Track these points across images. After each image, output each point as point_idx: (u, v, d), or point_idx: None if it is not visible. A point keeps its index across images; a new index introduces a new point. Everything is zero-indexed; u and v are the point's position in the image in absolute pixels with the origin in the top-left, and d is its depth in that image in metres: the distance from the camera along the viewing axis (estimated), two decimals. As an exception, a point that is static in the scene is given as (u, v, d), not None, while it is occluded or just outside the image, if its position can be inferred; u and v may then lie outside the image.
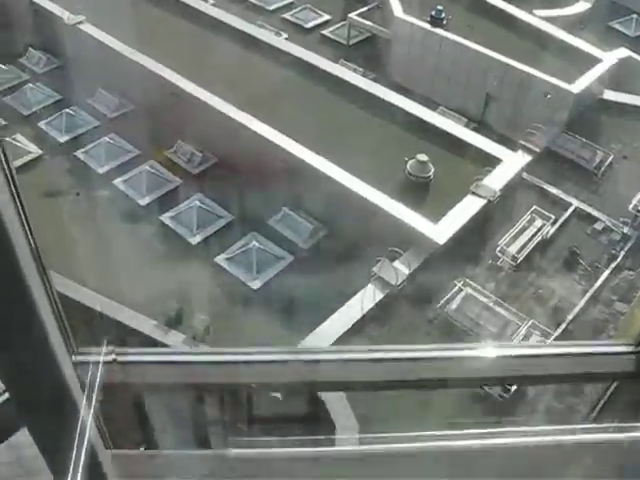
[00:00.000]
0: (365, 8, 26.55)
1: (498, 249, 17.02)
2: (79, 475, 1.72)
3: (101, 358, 2.02)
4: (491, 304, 15.74)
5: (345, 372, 2.40)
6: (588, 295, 16.48)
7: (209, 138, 19.72)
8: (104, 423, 2.03)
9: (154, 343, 14.78)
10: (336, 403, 13.29)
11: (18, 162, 18.95)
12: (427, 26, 23.15)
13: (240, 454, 2.55)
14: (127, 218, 18.03)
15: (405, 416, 11.24)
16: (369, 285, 15.71)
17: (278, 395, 8.54)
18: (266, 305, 16.18)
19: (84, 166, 19.49)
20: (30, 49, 23.97)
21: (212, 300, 16.06)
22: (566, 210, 18.48)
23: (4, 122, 20.66)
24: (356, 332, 14.72)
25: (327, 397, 13.26)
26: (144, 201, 18.54)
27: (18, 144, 19.52)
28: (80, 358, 1.96)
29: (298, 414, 11.50)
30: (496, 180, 17.75)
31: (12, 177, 1.44)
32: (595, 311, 16.24)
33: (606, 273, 16.98)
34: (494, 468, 2.51)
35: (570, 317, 15.91)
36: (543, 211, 18.06)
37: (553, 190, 19.00)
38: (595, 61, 21.93)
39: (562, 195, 18.89)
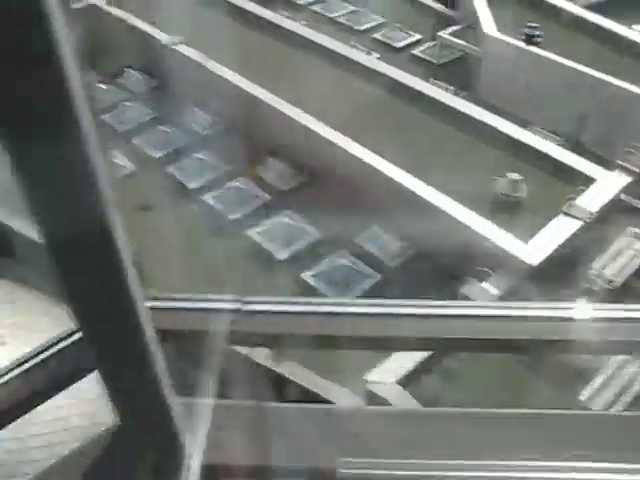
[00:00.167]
0: (456, 27, 26.41)
1: (593, 272, 16.38)
2: (147, 421, 1.67)
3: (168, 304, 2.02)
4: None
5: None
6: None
7: (300, 156, 19.89)
8: (176, 371, 1.97)
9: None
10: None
11: (116, 174, 19.79)
12: (521, 44, 22.77)
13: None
14: (216, 232, 18.36)
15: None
16: (457, 306, 15.36)
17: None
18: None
19: (176, 181, 19.99)
20: (128, 69, 24.84)
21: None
22: (669, 234, 17.66)
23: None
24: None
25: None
26: (233, 216, 18.82)
27: (114, 160, 20.16)
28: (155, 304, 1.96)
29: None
30: (591, 200, 17.17)
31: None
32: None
33: None
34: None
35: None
36: (643, 234, 17.33)
37: (654, 212, 18.21)
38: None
39: (664, 218, 18.08)
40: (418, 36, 27.09)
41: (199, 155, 20.56)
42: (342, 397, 13.18)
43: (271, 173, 20.21)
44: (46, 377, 2.15)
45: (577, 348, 2.53)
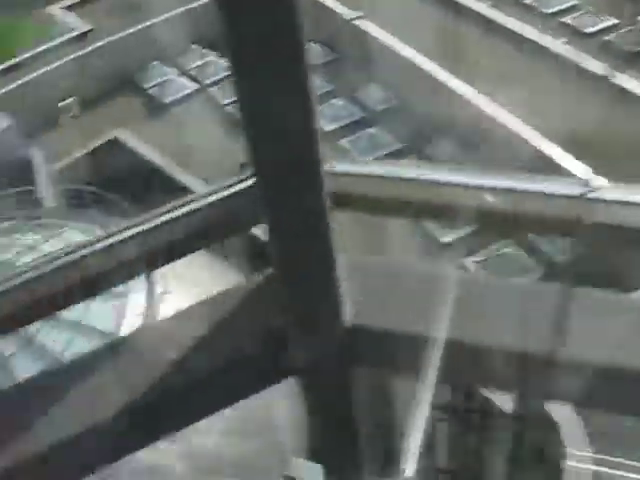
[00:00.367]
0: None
1: None
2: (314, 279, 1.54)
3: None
4: None
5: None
6: None
7: (471, 136, 19.32)
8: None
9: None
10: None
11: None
12: None
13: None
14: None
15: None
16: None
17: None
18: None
19: (347, 155, 20.05)
20: (309, 42, 25.07)
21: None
22: None
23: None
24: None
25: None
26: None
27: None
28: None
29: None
30: None
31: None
32: None
33: None
34: None
35: None
36: None
37: None
38: None
39: None
40: (614, 20, 25.27)
41: (371, 130, 20.50)
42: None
43: (440, 153, 19.78)
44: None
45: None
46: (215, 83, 23.62)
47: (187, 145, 20.47)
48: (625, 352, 1.93)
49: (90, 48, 23.15)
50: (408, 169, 2.34)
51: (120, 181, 18.61)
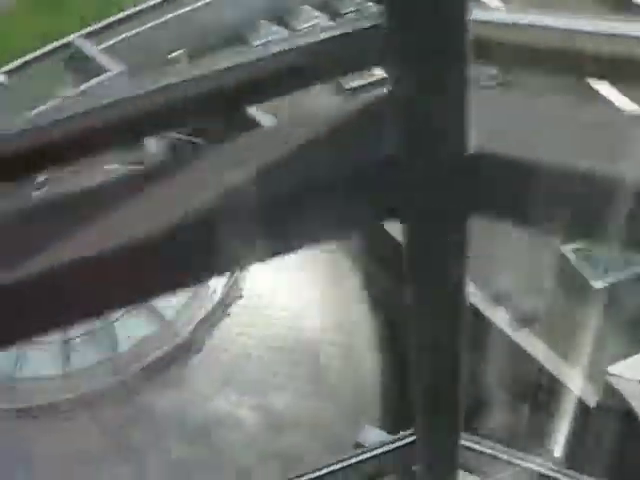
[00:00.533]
0: None
1: None
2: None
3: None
4: None
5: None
6: None
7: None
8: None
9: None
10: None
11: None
12: None
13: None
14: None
15: None
16: None
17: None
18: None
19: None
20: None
21: (546, 287, 15.17)
22: None
23: (384, 74, 21.55)
24: None
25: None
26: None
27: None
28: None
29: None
30: None
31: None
32: None
33: None
34: None
35: None
36: None
37: None
38: None
39: None
40: None
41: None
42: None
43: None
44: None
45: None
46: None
47: (292, 106, 20.41)
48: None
49: (201, 3, 23.34)
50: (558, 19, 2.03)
51: (221, 135, 18.75)
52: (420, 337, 1.47)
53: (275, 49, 1.90)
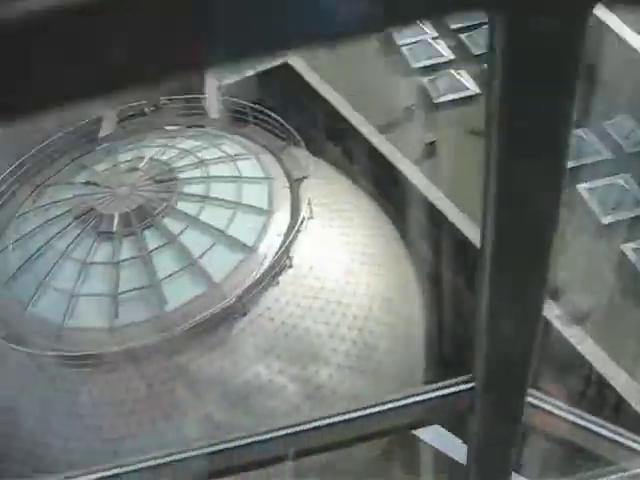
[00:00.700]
0: None
1: None
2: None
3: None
4: None
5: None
6: None
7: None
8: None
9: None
10: None
11: (454, 95, 19.56)
12: None
13: None
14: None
15: None
16: None
17: None
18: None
19: (585, 209, 18.75)
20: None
21: (603, 285, 14.77)
22: None
23: (453, 56, 21.16)
24: None
25: None
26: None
27: (460, 78, 19.89)
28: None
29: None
30: None
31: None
32: None
33: None
34: None
35: None
36: None
37: None
38: None
39: None
40: None
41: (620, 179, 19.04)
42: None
43: (619, 129, 18.31)
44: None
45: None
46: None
47: (358, 83, 20.23)
48: None
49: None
50: None
51: (285, 105, 18.69)
52: (501, 277, 1.33)
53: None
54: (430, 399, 1.76)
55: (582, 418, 1.95)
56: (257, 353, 13.49)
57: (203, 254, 13.98)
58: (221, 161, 15.78)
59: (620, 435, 2.05)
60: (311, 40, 0.65)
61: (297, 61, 21.55)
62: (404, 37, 22.30)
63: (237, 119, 17.99)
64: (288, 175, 15.78)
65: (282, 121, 16.52)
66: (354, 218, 15.85)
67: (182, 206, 14.68)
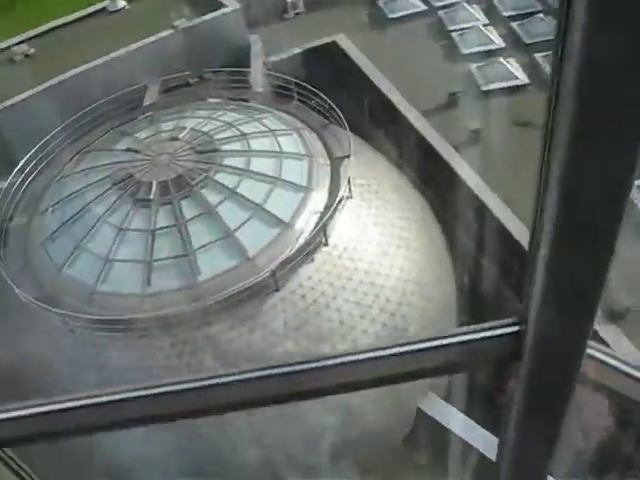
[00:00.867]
0: None
1: None
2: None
3: None
4: None
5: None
6: None
7: None
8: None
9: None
10: None
11: (501, 84, 19.19)
12: None
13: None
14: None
15: None
16: None
17: None
18: None
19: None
20: (554, -16, 23.41)
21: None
22: None
23: (503, 44, 20.76)
24: None
25: None
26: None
27: (508, 67, 19.50)
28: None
29: None
30: None
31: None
32: None
33: None
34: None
35: None
36: None
37: None
38: None
39: None
40: None
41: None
42: None
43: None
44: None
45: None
46: (445, 7, 22.71)
47: (402, 63, 19.96)
48: None
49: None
50: None
51: (329, 83, 18.48)
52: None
53: None
54: (469, 341, 1.60)
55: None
56: (287, 330, 13.41)
57: (239, 227, 13.90)
58: (262, 135, 15.67)
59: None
60: None
61: (344, 40, 21.34)
62: (455, 22, 21.95)
63: (281, 95, 17.86)
64: (329, 153, 15.62)
65: (327, 99, 16.32)
66: (392, 201, 15.65)
67: (221, 178, 14.61)
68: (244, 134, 15.53)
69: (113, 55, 19.84)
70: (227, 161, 14.94)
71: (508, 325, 1.55)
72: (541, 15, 21.51)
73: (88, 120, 17.83)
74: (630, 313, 14.07)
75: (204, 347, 13.17)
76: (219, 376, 1.60)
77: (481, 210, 15.72)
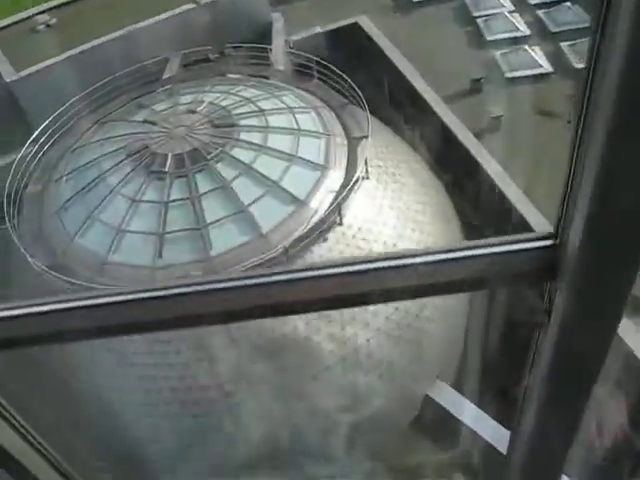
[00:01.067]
0: None
1: None
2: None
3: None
4: None
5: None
6: None
7: None
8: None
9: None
10: None
11: (525, 72, 18.94)
12: None
13: None
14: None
15: None
16: None
17: None
18: None
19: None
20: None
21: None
22: None
23: (529, 32, 20.48)
24: None
25: None
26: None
27: (533, 55, 19.23)
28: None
29: None
30: None
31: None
32: None
33: None
34: None
35: None
36: None
37: None
38: None
39: None
40: None
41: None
42: None
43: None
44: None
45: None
46: (471, -7, 22.44)
47: (425, 47, 19.73)
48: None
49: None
50: None
51: (350, 64, 18.28)
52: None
53: None
54: (499, 253, 1.44)
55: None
56: (297, 308, 13.27)
57: (253, 203, 13.76)
58: (281, 112, 15.50)
59: None
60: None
61: (366, 22, 21.11)
62: (480, 9, 21.66)
63: (302, 73, 17.67)
64: (347, 133, 15.43)
65: (347, 78, 16.11)
66: (409, 184, 15.45)
67: (237, 153, 14.46)
68: (262, 110, 15.36)
69: (134, 27, 19.73)
70: (244, 136, 14.78)
71: (542, 238, 1.39)
72: (568, 4, 21.17)
73: (106, 91, 17.72)
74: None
75: (212, 322, 13.05)
76: (218, 281, 1.46)
77: (498, 197, 15.51)
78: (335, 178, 14.37)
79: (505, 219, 15.39)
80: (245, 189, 13.98)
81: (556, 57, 19.46)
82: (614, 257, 1.29)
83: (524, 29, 20.68)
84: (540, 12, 21.20)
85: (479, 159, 16.20)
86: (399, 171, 15.53)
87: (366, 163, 14.54)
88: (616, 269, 1.31)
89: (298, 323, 13.11)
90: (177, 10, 20.24)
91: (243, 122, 15.05)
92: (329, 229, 13.73)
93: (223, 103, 15.70)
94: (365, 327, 13.45)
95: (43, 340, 1.63)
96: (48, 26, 21.82)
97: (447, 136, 17.18)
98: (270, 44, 19.29)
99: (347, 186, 14.01)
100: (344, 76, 16.42)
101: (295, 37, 20.48)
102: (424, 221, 15.05)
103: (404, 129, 18.19)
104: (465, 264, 1.42)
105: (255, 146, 14.58)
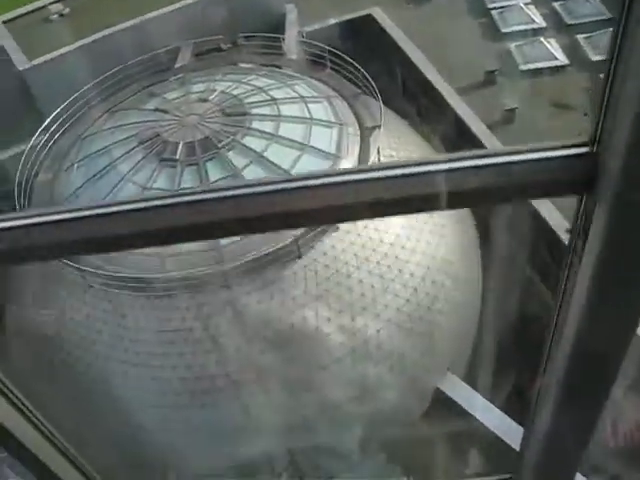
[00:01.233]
0: None
1: None
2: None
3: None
4: None
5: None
6: None
7: None
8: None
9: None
10: None
11: (540, 64, 18.76)
12: None
13: None
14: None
15: None
16: None
17: None
18: None
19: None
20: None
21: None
22: None
23: (544, 24, 20.27)
24: None
25: None
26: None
27: (548, 47, 19.02)
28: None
29: None
30: None
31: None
32: None
33: None
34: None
35: None
36: None
37: None
38: None
39: None
40: None
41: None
42: None
43: None
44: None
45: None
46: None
47: (438, 39, 19.55)
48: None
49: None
50: None
51: (363, 56, 18.14)
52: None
53: None
54: (533, 160, 1.29)
55: None
56: (307, 298, 13.16)
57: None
58: (293, 101, 15.37)
59: None
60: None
61: (379, 14, 20.95)
62: (495, 0, 21.46)
63: (314, 63, 17.53)
64: (359, 123, 15.29)
65: (360, 68, 15.96)
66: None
67: (248, 141, 14.35)
68: (274, 99, 15.24)
69: (147, 16, 19.66)
70: (256, 125, 14.66)
71: (578, 146, 1.25)
72: (586, -3, 20.97)
73: (118, 80, 17.65)
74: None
75: (222, 310, 12.97)
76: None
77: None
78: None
79: (517, 212, 15.23)
80: (256, 177, 13.86)
81: (572, 50, 19.24)
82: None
83: (540, 21, 20.47)
84: (556, 4, 20.98)
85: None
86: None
87: (378, 153, 14.40)
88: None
89: (306, 312, 13.00)
90: (190, 0, 20.15)
91: (255, 111, 14.93)
92: (340, 219, 13.60)
93: (235, 92, 15.59)
94: (376, 318, 13.31)
95: (35, 255, 1.51)
96: (61, 15, 21.80)
97: (460, 128, 17.02)
98: (283, 35, 19.17)
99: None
100: (357, 65, 16.28)
101: (308, 28, 20.35)
102: (437, 213, 14.89)
103: (417, 120, 18.04)
104: (488, 172, 1.28)
105: (267, 135, 14.46)
